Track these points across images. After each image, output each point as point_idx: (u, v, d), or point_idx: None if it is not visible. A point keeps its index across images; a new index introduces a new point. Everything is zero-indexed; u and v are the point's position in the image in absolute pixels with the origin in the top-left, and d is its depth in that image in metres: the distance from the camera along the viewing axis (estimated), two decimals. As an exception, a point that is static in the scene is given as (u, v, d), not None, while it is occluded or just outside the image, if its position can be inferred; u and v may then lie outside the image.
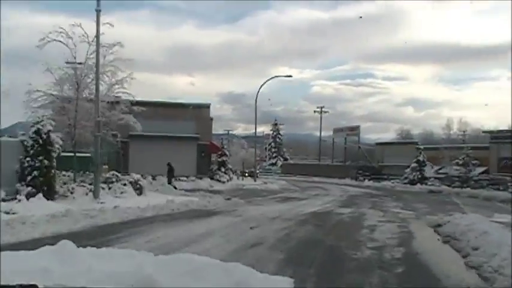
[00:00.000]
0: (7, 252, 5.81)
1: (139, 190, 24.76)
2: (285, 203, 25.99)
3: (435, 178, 53.69)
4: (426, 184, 52.22)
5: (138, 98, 26.26)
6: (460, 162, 48.78)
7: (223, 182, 45.20)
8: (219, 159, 50.53)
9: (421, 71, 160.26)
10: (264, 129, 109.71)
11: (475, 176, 48.86)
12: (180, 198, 24.25)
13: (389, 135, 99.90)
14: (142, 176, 26.51)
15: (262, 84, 50.37)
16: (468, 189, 45.39)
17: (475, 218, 17.00)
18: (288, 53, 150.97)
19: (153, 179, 38.22)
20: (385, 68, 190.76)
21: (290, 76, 49.15)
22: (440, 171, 54.83)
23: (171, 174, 35.93)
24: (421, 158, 54.87)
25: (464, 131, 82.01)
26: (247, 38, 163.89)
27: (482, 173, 49.70)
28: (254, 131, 53.89)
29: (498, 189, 44.20)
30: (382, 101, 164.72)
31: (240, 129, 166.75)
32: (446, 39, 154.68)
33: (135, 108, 26.89)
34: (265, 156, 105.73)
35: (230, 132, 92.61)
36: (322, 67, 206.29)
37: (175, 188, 32.50)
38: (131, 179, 24.84)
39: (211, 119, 51.14)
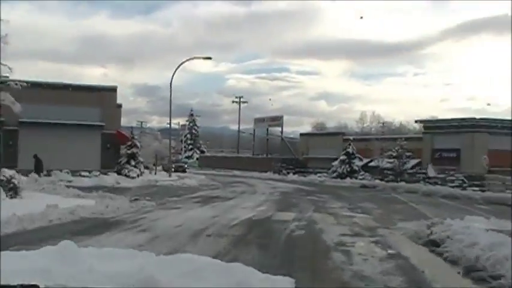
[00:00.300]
0: (8, 252, 5.78)
1: (13, 191, 18.52)
2: (209, 206, 20.49)
3: (365, 171, 49.96)
4: (356, 178, 48.37)
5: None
6: (394, 154, 45.02)
7: (133, 178, 39.07)
8: (129, 151, 44.24)
9: (334, 66, 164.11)
10: (180, 121, 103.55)
11: (408, 168, 45.34)
12: (69, 201, 18.17)
13: (305, 128, 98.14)
14: (18, 172, 20.13)
15: (177, 67, 44.46)
16: (403, 183, 41.69)
17: (476, 230, 12.27)
18: (203, 46, 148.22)
19: (48, 174, 31.82)
20: (300, 63, 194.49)
21: (209, 58, 42.85)
22: (371, 164, 51.10)
23: (39, 168, 30.67)
24: (350, 150, 50.96)
25: (383, 123, 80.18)
26: (161, 30, 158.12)
27: (416, 165, 46.25)
28: (169, 123, 48.11)
29: (436, 184, 40.79)
30: (297, 95, 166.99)
31: (155, 122, 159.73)
32: (358, 36, 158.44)
33: (12, 84, 20.65)
34: (181, 149, 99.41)
35: (144, 124, 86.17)
36: (237, 60, 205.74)
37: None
38: (2, 177, 18.54)
39: (120, 105, 44.85)
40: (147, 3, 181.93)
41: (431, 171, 41.87)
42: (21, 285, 3.15)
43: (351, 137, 55.11)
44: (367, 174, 49.03)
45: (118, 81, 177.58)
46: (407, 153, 44.92)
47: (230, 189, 32.16)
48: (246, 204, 21.39)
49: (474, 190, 36.38)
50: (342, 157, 51.43)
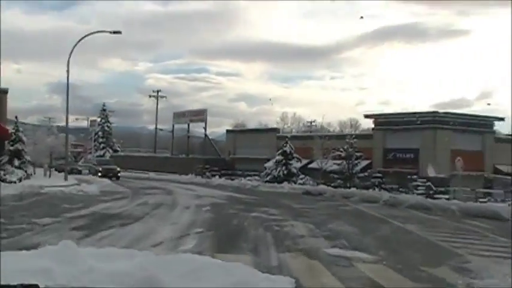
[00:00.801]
0: (7, 252, 5.71)
1: None
2: (94, 239, 11.78)
3: (305, 174, 42.45)
4: (295, 182, 40.77)
5: None
6: (343, 154, 37.65)
7: (14, 182, 29.59)
8: (11, 148, 34.57)
9: (253, 68, 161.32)
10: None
11: (358, 171, 38.13)
12: None
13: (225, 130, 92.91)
14: None
15: (78, 42, 35.00)
16: (354, 189, 34.38)
17: None
18: (121, 44, 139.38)
19: None
20: (219, 64, 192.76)
21: (119, 32, 33.73)
22: (311, 165, 43.64)
23: None
24: (287, 149, 43.27)
25: (311, 122, 73.42)
26: (78, 27, 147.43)
27: (367, 167, 39.13)
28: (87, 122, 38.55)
29: (390, 189, 33.81)
30: (217, 96, 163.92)
31: (70, 121, 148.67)
32: (277, 38, 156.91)
33: None
34: (91, 148, 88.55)
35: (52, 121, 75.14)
36: (156, 60, 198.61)
37: None
38: None
39: (5, 91, 35.66)
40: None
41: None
42: (21, 285, 3.13)
43: (288, 134, 47.52)
44: (307, 177, 41.54)
45: (32, 78, 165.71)
46: (358, 153, 37.71)
47: (141, 200, 23.43)
48: (161, 235, 12.84)
49: (447, 199, 29.67)
50: (277, 157, 43.72)
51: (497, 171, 38.78)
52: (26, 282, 3.31)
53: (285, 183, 39.76)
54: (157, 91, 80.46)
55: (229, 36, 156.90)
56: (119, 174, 45.80)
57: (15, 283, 3.18)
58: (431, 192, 31.61)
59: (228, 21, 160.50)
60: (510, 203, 29.14)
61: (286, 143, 43.51)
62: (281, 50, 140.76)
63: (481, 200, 31.32)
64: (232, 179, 45.89)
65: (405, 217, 20.56)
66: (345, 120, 75.09)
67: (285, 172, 42.66)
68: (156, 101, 79.33)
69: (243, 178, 46.20)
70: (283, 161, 43.09)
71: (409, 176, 33.91)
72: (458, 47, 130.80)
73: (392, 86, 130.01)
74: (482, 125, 38.75)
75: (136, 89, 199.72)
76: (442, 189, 33.15)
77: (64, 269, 5.07)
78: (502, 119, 40.15)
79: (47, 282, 4.36)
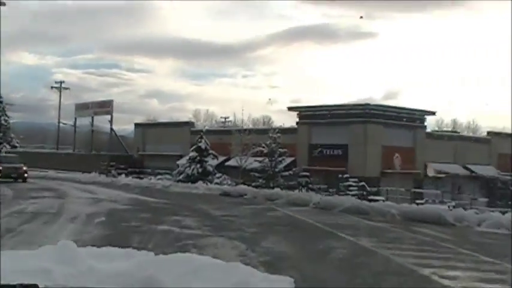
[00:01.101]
0: (7, 251, 5.75)
1: None
2: None
3: (222, 173, 38.27)
4: (211, 182, 36.44)
5: None
6: (265, 150, 33.68)
7: None
8: None
9: (165, 65, 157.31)
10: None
11: (282, 169, 34.31)
12: None
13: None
14: None
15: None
16: (278, 189, 30.42)
17: None
18: (28, 37, 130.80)
19: None
20: (130, 60, 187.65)
21: (3, 4, 27.90)
22: (229, 163, 39.51)
23: None
24: (202, 145, 38.83)
25: (225, 118, 69.67)
26: None
27: (291, 164, 35.41)
28: None
29: (318, 190, 30.27)
30: (127, 92, 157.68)
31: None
32: (189, 35, 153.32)
33: None
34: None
35: None
36: (65, 54, 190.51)
37: None
38: None
39: None
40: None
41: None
42: (21, 285, 3.13)
43: (203, 128, 43.13)
44: (225, 176, 37.35)
45: None
46: (282, 150, 33.87)
47: (17, 207, 18.18)
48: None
49: (383, 201, 26.36)
50: (191, 154, 39.21)
51: (428, 169, 36.23)
52: (25, 282, 3.31)
53: (200, 183, 35.27)
54: (61, 82, 73.79)
55: (140, 32, 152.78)
56: (26, 175, 35.66)
57: (14, 283, 3.18)
58: (364, 193, 28.32)
59: (139, 16, 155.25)
60: (451, 205, 26.44)
61: (201, 137, 39.03)
62: (194, 47, 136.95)
63: (417, 201, 28.40)
64: (141, 178, 40.97)
65: (349, 226, 16.80)
66: (257, 118, 73.03)
67: (200, 170, 38.23)
68: (60, 93, 72.45)
69: (152, 177, 41.40)
70: (198, 158, 38.64)
71: (340, 175, 30.43)
72: (367, 49, 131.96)
73: (304, 85, 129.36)
74: (414, 119, 36.00)
75: (44, 84, 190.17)
76: (375, 189, 30.04)
77: (63, 269, 5.12)
78: (433, 113, 37.65)
79: (46, 282, 4.34)
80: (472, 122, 73.91)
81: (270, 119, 70.50)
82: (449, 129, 56.47)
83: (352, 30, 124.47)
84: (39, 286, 3.18)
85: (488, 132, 43.09)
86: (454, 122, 73.79)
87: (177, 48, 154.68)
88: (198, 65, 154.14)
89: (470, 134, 55.18)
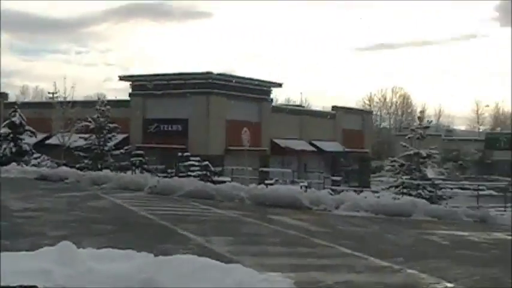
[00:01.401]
0: (7, 252, 5.61)
1: None
2: None
3: (41, 153, 32.71)
4: (27, 164, 30.75)
5: None
6: (91, 126, 28.81)
7: None
8: None
9: None
10: None
11: (112, 148, 29.63)
12: None
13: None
14: None
15: None
16: (108, 171, 25.85)
17: None
18: None
19: None
20: None
21: None
22: (49, 141, 33.94)
23: None
24: (16, 120, 32.84)
25: (53, 93, 63.01)
26: None
27: (122, 142, 30.84)
28: None
29: (155, 171, 26.31)
30: None
31: None
32: (17, 7, 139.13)
33: None
34: None
35: None
36: None
37: None
38: None
39: None
40: None
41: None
42: (21, 286, 3.17)
43: (17, 101, 36.87)
44: (45, 157, 31.88)
45: None
46: (112, 125, 29.19)
47: None
48: None
49: (230, 181, 23.05)
50: (2, 131, 33.10)
51: (274, 145, 33.73)
52: (25, 284, 3.41)
53: (14, 165, 29.46)
54: None
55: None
56: None
57: (14, 284, 3.28)
58: (208, 173, 24.82)
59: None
60: (303, 186, 23.92)
61: (15, 111, 32.99)
62: (22, 20, 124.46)
63: (266, 181, 25.54)
64: None
65: (193, 219, 13.15)
66: (91, 95, 67.57)
67: (14, 150, 32.34)
68: None
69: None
70: (11, 135, 32.67)
71: (179, 154, 26.60)
72: (202, 28, 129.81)
73: (140, 62, 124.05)
74: (259, 91, 33.13)
75: None
76: (219, 169, 26.71)
77: (63, 270, 5.07)
78: (280, 85, 35.06)
79: (46, 284, 4.36)
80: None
81: (104, 96, 65.35)
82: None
83: (186, 10, 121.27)
84: (39, 287, 3.48)
85: (333, 107, 41.75)
86: (301, 96, 73.38)
87: (4, 20, 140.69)
88: (27, 39, 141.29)
89: (317, 108, 53.86)
